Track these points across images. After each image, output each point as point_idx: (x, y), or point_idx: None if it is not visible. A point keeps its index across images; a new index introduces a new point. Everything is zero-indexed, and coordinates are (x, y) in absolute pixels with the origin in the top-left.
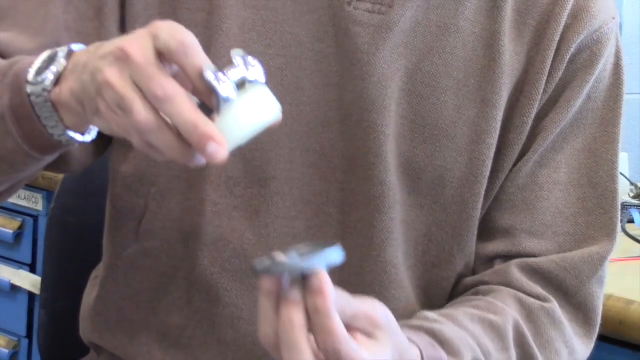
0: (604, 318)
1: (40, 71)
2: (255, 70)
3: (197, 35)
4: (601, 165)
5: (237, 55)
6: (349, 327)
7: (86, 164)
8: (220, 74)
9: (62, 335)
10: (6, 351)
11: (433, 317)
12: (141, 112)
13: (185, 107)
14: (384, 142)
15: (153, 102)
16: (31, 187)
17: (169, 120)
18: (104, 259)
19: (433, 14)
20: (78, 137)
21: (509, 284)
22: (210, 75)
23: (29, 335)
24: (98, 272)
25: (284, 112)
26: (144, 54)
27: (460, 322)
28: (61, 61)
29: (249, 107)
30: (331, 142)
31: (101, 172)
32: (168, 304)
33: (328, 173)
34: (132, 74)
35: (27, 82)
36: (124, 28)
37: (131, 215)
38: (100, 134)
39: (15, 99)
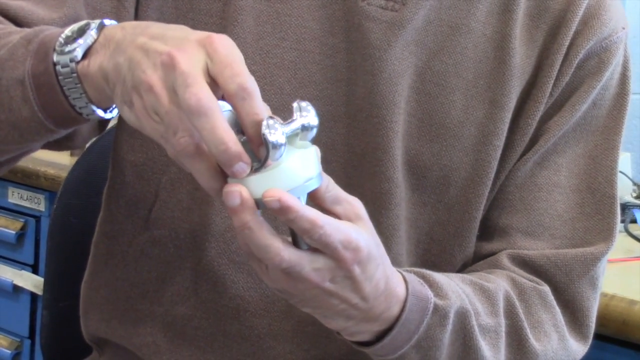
0: (607, 318)
1: (69, 41)
2: (309, 115)
3: (212, 25)
4: (600, 171)
5: (295, 103)
6: (330, 211)
7: (88, 139)
8: (275, 124)
9: (65, 335)
10: (8, 352)
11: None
12: (184, 135)
13: (218, 124)
14: (392, 139)
15: (185, 112)
16: (33, 187)
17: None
18: (108, 248)
19: (445, 13)
20: (100, 112)
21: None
22: (266, 128)
23: (32, 336)
24: (106, 260)
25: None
26: (191, 65)
27: (451, 278)
28: (92, 34)
29: (291, 168)
30: (341, 137)
31: (104, 172)
32: (173, 294)
33: (337, 168)
34: (173, 81)
35: (55, 50)
36: (137, 10)
37: (142, 203)
38: None
39: (39, 66)
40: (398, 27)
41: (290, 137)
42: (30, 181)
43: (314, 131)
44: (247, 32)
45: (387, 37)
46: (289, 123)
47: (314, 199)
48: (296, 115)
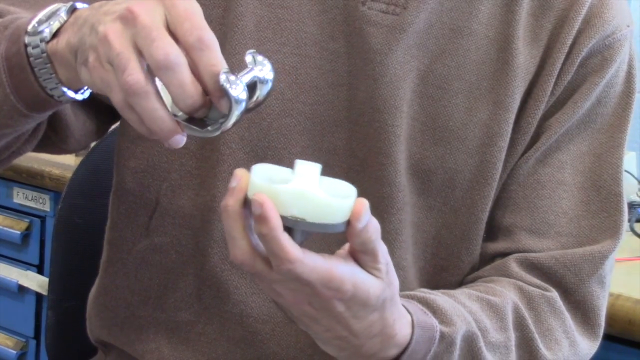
0: (613, 317)
1: (40, 23)
2: (264, 69)
3: (212, 31)
4: (605, 168)
5: (248, 54)
6: (353, 254)
7: (85, 143)
8: (232, 77)
9: (70, 335)
10: (14, 352)
11: (428, 290)
12: (133, 72)
13: (187, 76)
14: (394, 143)
15: (153, 67)
16: (38, 187)
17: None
18: (108, 255)
19: (446, 16)
20: (71, 93)
21: (507, 277)
22: (224, 78)
23: (37, 336)
24: (106, 267)
25: (297, 110)
26: (152, 19)
27: (457, 298)
28: (62, 15)
29: (315, 204)
30: (344, 142)
31: (108, 172)
32: (176, 300)
33: (340, 172)
34: (135, 35)
35: (27, 32)
36: None
37: (142, 210)
38: (102, 114)
39: (12, 48)
40: (399, 31)
41: (250, 85)
42: (35, 181)
43: (269, 85)
44: (248, 38)
45: (388, 41)
46: (245, 73)
47: (348, 236)
48: (251, 65)
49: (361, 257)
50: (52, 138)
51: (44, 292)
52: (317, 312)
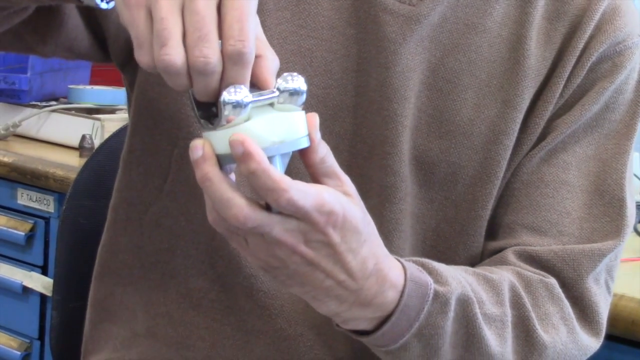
0: (616, 318)
1: None
2: (298, 81)
3: None
4: (610, 174)
5: (285, 74)
6: (319, 182)
7: (58, 53)
8: (242, 89)
9: (74, 336)
10: (18, 353)
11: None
12: (171, 52)
13: (214, 83)
14: (401, 133)
15: (189, 61)
16: (43, 189)
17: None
18: (123, 215)
19: (462, 12)
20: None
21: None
22: (225, 97)
23: (41, 337)
24: (124, 227)
25: (310, 92)
26: (208, 5)
27: (454, 268)
28: None
29: (256, 127)
30: (354, 128)
31: (113, 173)
32: (187, 267)
33: (349, 158)
34: (185, 10)
35: None
36: None
37: (157, 172)
38: (97, 34)
39: None
40: (414, 21)
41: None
42: (39, 182)
43: (303, 97)
44: (267, 16)
45: (403, 31)
46: (266, 92)
47: (308, 167)
48: (277, 83)
49: (328, 182)
50: (27, 39)
51: (48, 293)
52: (315, 253)
